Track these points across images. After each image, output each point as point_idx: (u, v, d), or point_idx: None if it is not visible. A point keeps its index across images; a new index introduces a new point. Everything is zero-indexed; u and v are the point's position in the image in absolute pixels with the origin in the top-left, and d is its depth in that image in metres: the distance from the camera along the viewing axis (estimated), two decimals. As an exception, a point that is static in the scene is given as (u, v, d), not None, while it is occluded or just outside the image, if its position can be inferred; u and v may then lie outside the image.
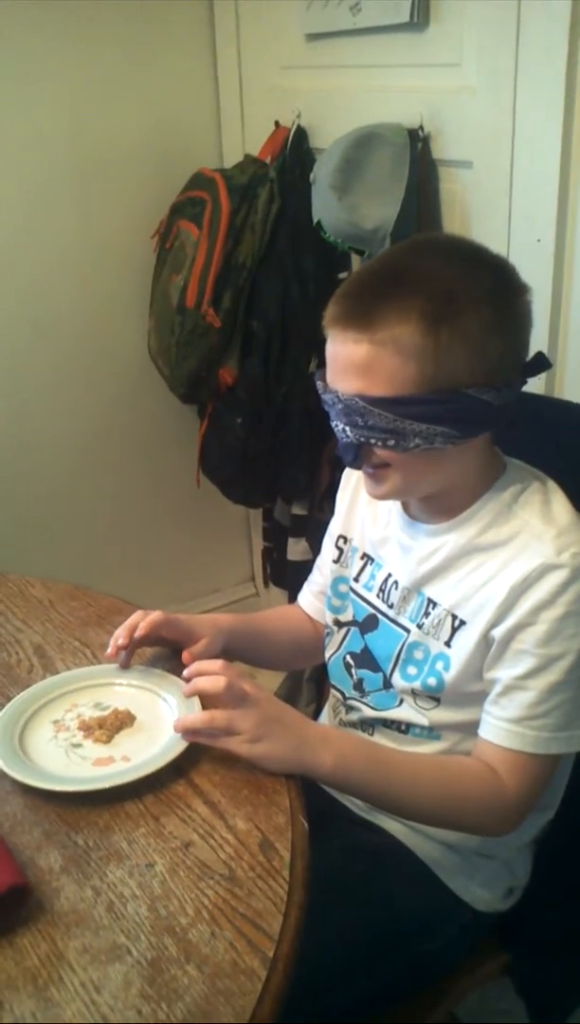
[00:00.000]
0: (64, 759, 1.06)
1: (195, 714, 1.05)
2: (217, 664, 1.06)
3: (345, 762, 1.05)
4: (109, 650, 1.19)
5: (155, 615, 1.19)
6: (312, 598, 1.42)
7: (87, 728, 1.10)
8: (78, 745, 1.08)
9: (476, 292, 1.04)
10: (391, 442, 1.05)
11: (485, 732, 1.11)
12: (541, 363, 1.11)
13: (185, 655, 1.19)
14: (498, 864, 1.25)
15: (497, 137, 1.66)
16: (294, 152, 2.07)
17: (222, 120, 2.40)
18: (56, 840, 0.95)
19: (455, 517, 1.15)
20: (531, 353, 1.11)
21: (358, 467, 1.12)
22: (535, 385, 1.70)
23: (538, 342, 1.67)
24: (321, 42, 2.04)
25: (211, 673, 1.05)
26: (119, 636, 1.18)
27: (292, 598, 1.50)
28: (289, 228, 2.04)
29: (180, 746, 1.04)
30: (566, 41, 1.49)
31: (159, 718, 1.12)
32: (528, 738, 1.07)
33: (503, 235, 1.70)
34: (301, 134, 2.08)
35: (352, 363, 1.04)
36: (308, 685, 1.70)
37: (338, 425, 1.09)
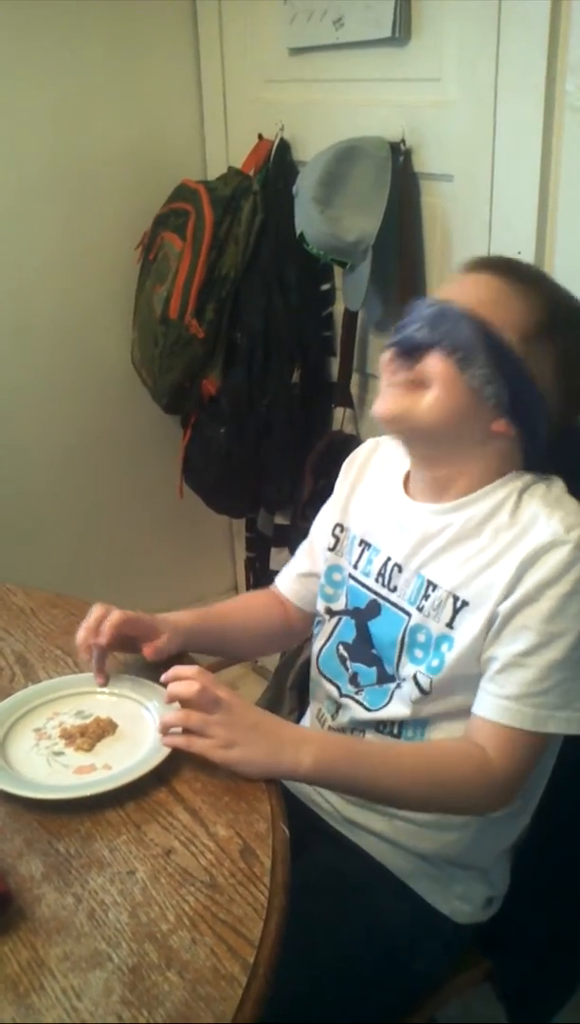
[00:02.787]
0: (46, 767, 1.06)
1: (172, 712, 1.05)
2: (192, 670, 1.07)
3: (325, 760, 1.05)
4: (81, 654, 1.19)
5: (115, 616, 1.18)
6: (293, 580, 1.42)
7: (69, 736, 1.10)
8: (60, 753, 1.08)
9: (577, 327, 1.16)
10: (459, 355, 1.10)
11: (481, 709, 1.11)
12: None
13: (146, 649, 1.19)
14: (476, 875, 1.25)
15: (477, 151, 1.68)
16: (277, 165, 2.08)
17: (206, 132, 2.41)
18: (38, 848, 0.95)
19: (458, 499, 1.17)
20: None
21: (406, 365, 1.14)
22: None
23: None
24: (304, 56, 2.06)
25: (186, 678, 1.05)
26: (86, 636, 1.18)
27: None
28: (272, 240, 2.06)
29: (162, 754, 1.04)
30: (545, 56, 1.51)
31: (141, 726, 1.12)
32: (527, 715, 1.07)
33: (483, 248, 1.71)
34: (284, 147, 2.10)
35: (482, 292, 1.12)
36: (290, 693, 1.70)
37: (409, 328, 1.13)
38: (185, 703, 1.06)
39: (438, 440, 1.15)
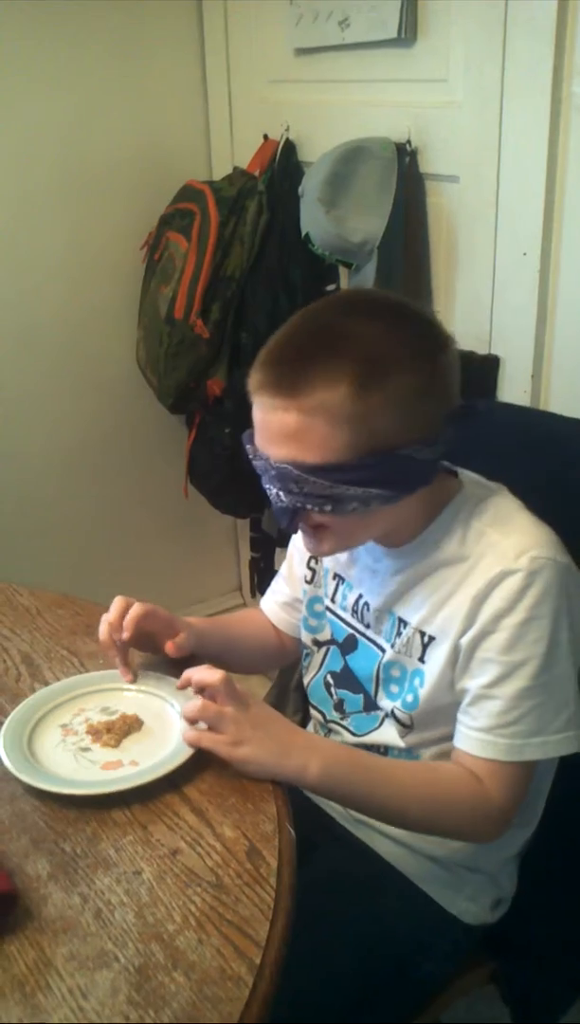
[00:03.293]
0: (73, 763, 1.06)
1: (190, 703, 1.04)
2: (208, 668, 1.06)
3: (331, 770, 1.05)
4: (107, 651, 1.19)
5: (136, 610, 1.17)
6: (277, 608, 1.42)
7: (95, 732, 1.11)
8: (86, 749, 1.09)
9: (401, 353, 1.03)
10: (328, 507, 1.04)
11: (459, 742, 1.11)
12: (470, 413, 1.10)
13: (168, 645, 1.19)
14: (484, 877, 1.25)
15: (483, 151, 1.68)
16: (283, 165, 2.09)
17: (211, 133, 2.41)
18: (44, 848, 0.95)
19: (415, 539, 1.15)
20: (461, 397, 1.11)
21: (294, 530, 1.12)
22: (521, 397, 1.72)
23: (524, 355, 1.70)
24: (310, 57, 2.06)
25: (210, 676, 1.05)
26: (109, 632, 1.18)
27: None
28: (277, 240, 2.06)
29: (191, 749, 1.05)
30: (551, 56, 1.51)
31: (166, 723, 1.13)
32: (501, 746, 1.07)
33: (489, 249, 1.72)
34: (290, 147, 2.10)
35: (282, 431, 1.03)
36: (295, 694, 1.70)
37: (271, 490, 1.07)
38: (204, 695, 1.05)
39: (373, 538, 1.15)
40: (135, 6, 2.22)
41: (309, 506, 1.05)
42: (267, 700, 1.72)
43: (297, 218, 1.92)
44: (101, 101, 2.25)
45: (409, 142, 1.80)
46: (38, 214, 2.24)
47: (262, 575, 2.44)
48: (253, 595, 2.54)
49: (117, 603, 1.19)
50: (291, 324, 1.10)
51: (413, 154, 1.81)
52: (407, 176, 1.80)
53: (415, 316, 1.09)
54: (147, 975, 0.81)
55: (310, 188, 1.84)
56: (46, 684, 1.21)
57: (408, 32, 1.77)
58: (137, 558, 2.65)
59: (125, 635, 1.17)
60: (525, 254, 1.64)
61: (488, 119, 1.65)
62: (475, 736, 1.08)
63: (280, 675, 1.80)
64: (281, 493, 1.06)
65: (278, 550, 2.36)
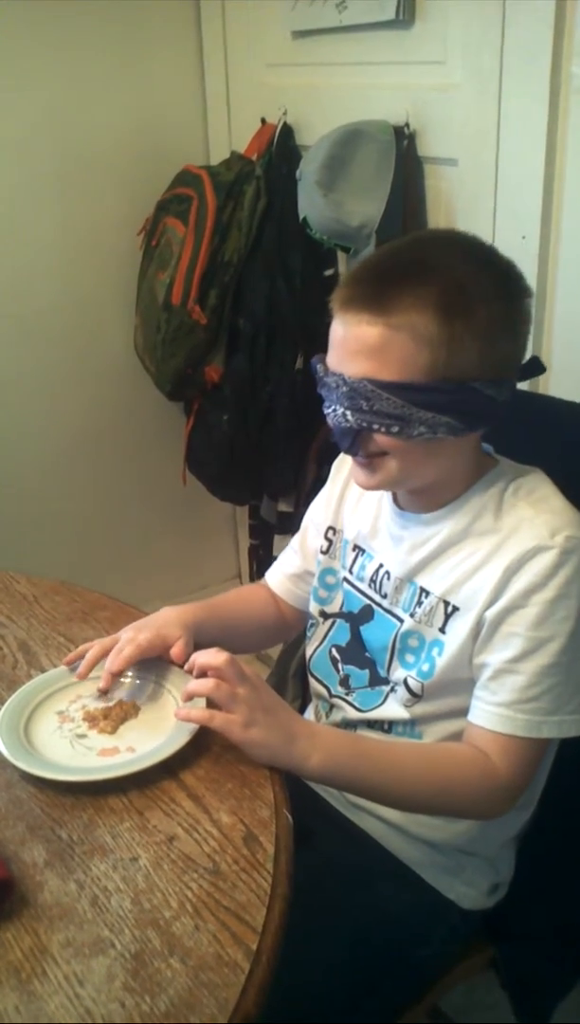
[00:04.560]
0: (69, 750, 1.06)
1: (198, 682, 1.04)
2: (216, 651, 1.06)
3: (332, 759, 1.04)
4: (72, 658, 1.19)
5: (128, 652, 1.14)
6: (285, 579, 1.41)
7: (92, 719, 1.11)
8: (83, 736, 1.08)
9: (488, 289, 1.06)
10: (395, 428, 1.05)
11: (475, 717, 1.11)
12: (536, 366, 1.13)
13: (174, 651, 1.17)
14: (481, 861, 1.25)
15: (482, 134, 1.66)
16: (280, 149, 2.07)
17: (208, 117, 2.40)
18: (40, 834, 0.95)
19: (446, 507, 1.15)
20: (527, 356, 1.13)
21: (354, 453, 1.11)
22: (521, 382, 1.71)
23: (523, 339, 1.69)
24: (307, 39, 2.04)
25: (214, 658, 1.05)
26: (96, 654, 1.17)
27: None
28: (275, 225, 2.05)
29: (189, 734, 1.04)
30: (551, 39, 1.50)
31: (163, 710, 1.12)
32: (519, 722, 1.07)
33: (488, 232, 1.70)
34: (287, 131, 2.08)
35: (364, 345, 1.04)
36: (293, 681, 1.70)
37: (337, 410, 1.07)
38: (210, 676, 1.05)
39: (422, 484, 1.15)
40: (131, -11, 2.21)
41: (376, 425, 1.05)
42: (266, 686, 1.72)
43: (295, 202, 1.91)
44: (97, 87, 2.23)
45: (407, 125, 1.79)
46: (34, 200, 2.22)
47: (261, 562, 2.44)
48: (252, 582, 2.53)
49: (99, 645, 1.17)
50: (384, 250, 1.14)
51: (411, 137, 1.80)
52: (405, 159, 1.79)
53: (504, 261, 1.11)
54: (143, 961, 0.81)
55: (308, 172, 1.83)
56: (43, 671, 1.21)
57: (406, 14, 1.75)
58: (135, 545, 2.65)
59: (115, 668, 1.14)
60: (524, 237, 1.63)
61: (487, 102, 1.64)
62: (494, 711, 1.08)
63: (279, 662, 1.79)
64: (349, 412, 1.06)
65: (277, 537, 2.35)
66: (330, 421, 1.10)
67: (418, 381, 1.03)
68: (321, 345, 2.22)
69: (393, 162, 1.77)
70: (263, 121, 2.15)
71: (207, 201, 2.07)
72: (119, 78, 2.26)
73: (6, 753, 1.03)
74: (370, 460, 1.11)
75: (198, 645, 1.21)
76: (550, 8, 1.49)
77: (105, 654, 1.16)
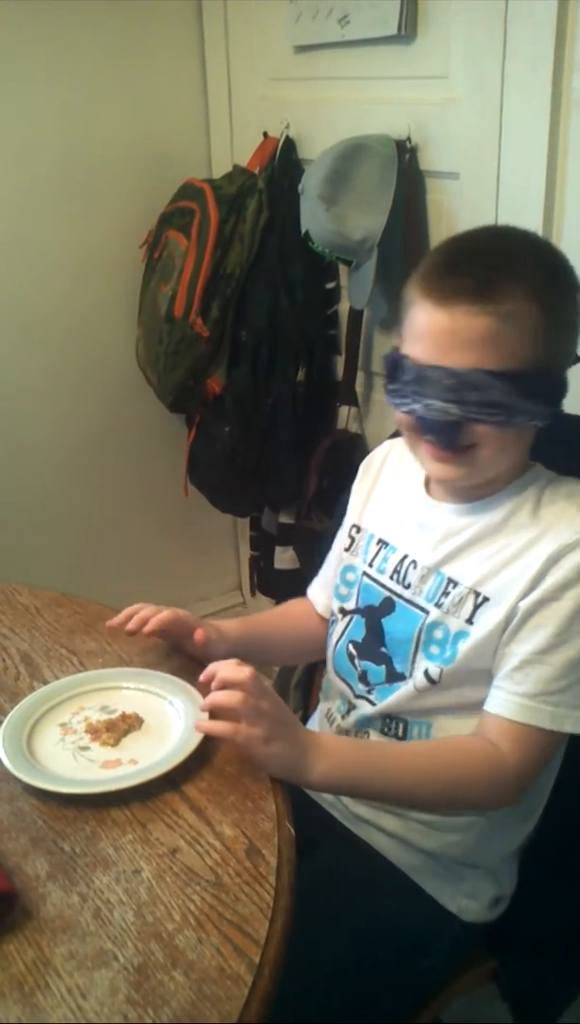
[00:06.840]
0: (72, 762, 1.06)
1: (223, 693, 1.03)
2: (239, 665, 1.06)
3: (338, 768, 1.05)
4: (119, 619, 1.23)
5: (166, 615, 1.20)
6: (318, 590, 1.43)
7: (95, 731, 1.11)
8: (86, 748, 1.08)
9: (569, 277, 1.10)
10: (500, 417, 1.06)
11: (496, 707, 1.10)
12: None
13: (198, 633, 1.21)
14: (483, 873, 1.25)
15: (483, 148, 1.67)
16: (283, 163, 2.08)
17: (211, 130, 2.41)
18: (43, 847, 0.95)
19: (482, 500, 1.17)
20: None
21: (453, 446, 1.10)
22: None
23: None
24: (309, 54, 2.05)
25: (232, 672, 1.04)
26: (129, 619, 1.21)
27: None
28: (277, 238, 2.05)
29: (192, 745, 1.04)
30: (552, 53, 1.51)
31: (166, 722, 1.12)
32: (544, 714, 1.07)
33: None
34: (289, 145, 2.09)
35: (475, 335, 1.04)
36: (295, 692, 1.70)
37: (433, 404, 1.07)
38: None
39: (495, 474, 1.16)
40: (135, 4, 2.22)
41: (482, 416, 1.06)
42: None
43: (297, 216, 1.92)
44: (101, 99, 2.24)
45: (409, 139, 1.80)
46: (38, 213, 2.23)
47: (262, 574, 2.44)
48: (253, 594, 2.54)
49: (147, 610, 1.23)
50: (465, 242, 1.15)
51: (413, 151, 1.80)
52: (407, 173, 1.80)
53: (562, 252, 1.14)
54: (146, 974, 0.81)
55: (310, 185, 1.84)
56: (45, 683, 1.21)
57: (408, 29, 1.76)
58: (136, 557, 2.65)
59: (149, 629, 1.19)
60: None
61: (488, 115, 1.65)
62: (518, 701, 1.08)
63: (280, 673, 1.80)
64: (451, 405, 1.06)
65: (278, 549, 2.35)
66: (422, 415, 1.09)
67: (521, 369, 1.05)
68: (323, 358, 2.23)
69: (395, 176, 1.78)
70: (265, 135, 2.16)
71: (209, 214, 2.08)
72: (122, 91, 2.27)
73: (9, 765, 1.03)
74: (457, 454, 1.11)
75: (238, 658, 1.23)
76: (551, 22, 1.50)
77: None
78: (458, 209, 1.78)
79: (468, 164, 1.73)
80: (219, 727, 1.01)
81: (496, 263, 1.07)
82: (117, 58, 2.24)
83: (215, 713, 1.05)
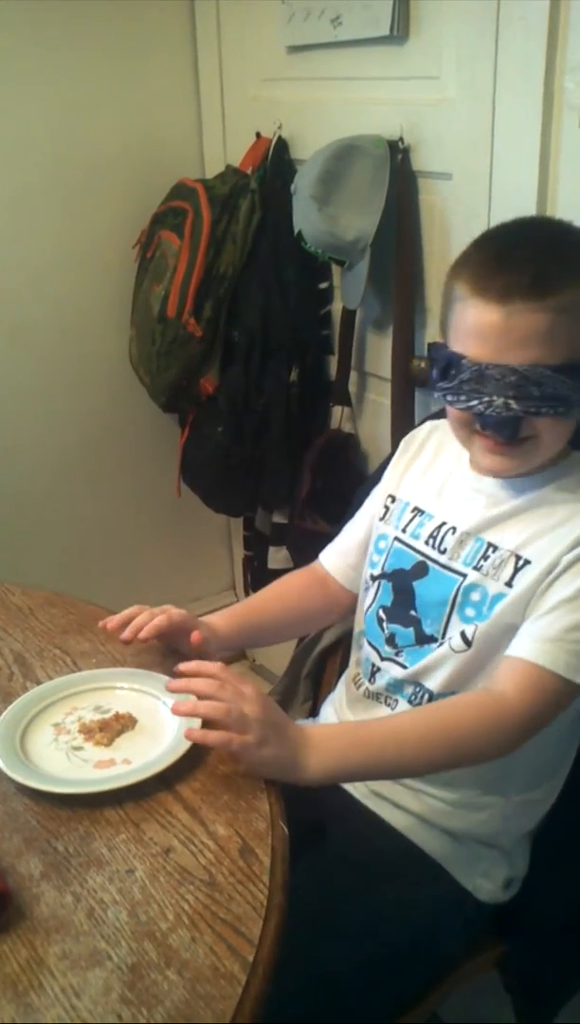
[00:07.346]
0: (65, 762, 1.06)
1: (208, 704, 1.03)
2: (214, 666, 1.06)
3: (330, 759, 1.05)
4: (116, 622, 1.23)
5: (160, 621, 1.21)
6: (333, 556, 1.45)
7: (88, 731, 1.11)
8: (79, 748, 1.09)
9: None
10: (561, 409, 1.08)
11: (516, 650, 1.12)
12: None
13: (194, 635, 1.22)
14: (498, 853, 1.27)
15: (476, 149, 1.67)
16: (275, 163, 2.08)
17: (203, 131, 2.41)
18: (36, 846, 0.95)
19: (527, 478, 1.19)
20: None
21: (514, 440, 1.12)
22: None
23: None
24: (302, 54, 2.05)
25: (207, 673, 1.05)
26: (125, 624, 1.22)
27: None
28: (270, 238, 2.05)
29: (185, 746, 1.05)
30: (544, 54, 1.51)
31: (160, 722, 1.13)
32: (561, 659, 1.08)
33: (482, 246, 1.71)
34: (282, 145, 2.09)
35: (534, 332, 1.06)
36: (305, 682, 1.70)
37: (494, 400, 1.08)
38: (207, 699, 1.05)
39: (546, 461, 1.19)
40: (128, 4, 2.21)
41: (545, 409, 1.08)
42: (277, 689, 1.72)
43: (290, 216, 1.92)
44: (93, 99, 2.24)
45: (401, 139, 1.80)
46: (30, 213, 2.23)
47: (256, 574, 2.44)
48: (246, 594, 2.54)
49: (143, 616, 1.23)
50: (511, 235, 1.16)
51: (406, 151, 1.80)
52: (400, 173, 1.80)
53: None
54: (140, 973, 0.81)
55: (303, 186, 1.84)
56: (39, 683, 1.21)
57: (400, 29, 1.76)
58: (130, 557, 2.64)
59: (144, 635, 1.20)
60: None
61: (480, 116, 1.65)
62: (540, 645, 1.10)
63: (291, 664, 1.79)
64: (513, 401, 1.08)
65: (271, 548, 2.35)
66: (481, 411, 1.10)
67: (577, 361, 1.07)
68: (316, 358, 2.24)
69: (387, 176, 1.78)
70: (258, 135, 2.16)
71: (202, 214, 2.08)
72: (115, 92, 2.27)
73: (2, 765, 1.03)
74: (513, 447, 1.13)
75: (235, 650, 1.24)
76: (543, 23, 1.50)
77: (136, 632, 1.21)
78: (451, 210, 1.78)
79: (461, 165, 1.73)
80: (212, 736, 1.02)
81: (544, 257, 1.09)
82: (110, 58, 2.24)
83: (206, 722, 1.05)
